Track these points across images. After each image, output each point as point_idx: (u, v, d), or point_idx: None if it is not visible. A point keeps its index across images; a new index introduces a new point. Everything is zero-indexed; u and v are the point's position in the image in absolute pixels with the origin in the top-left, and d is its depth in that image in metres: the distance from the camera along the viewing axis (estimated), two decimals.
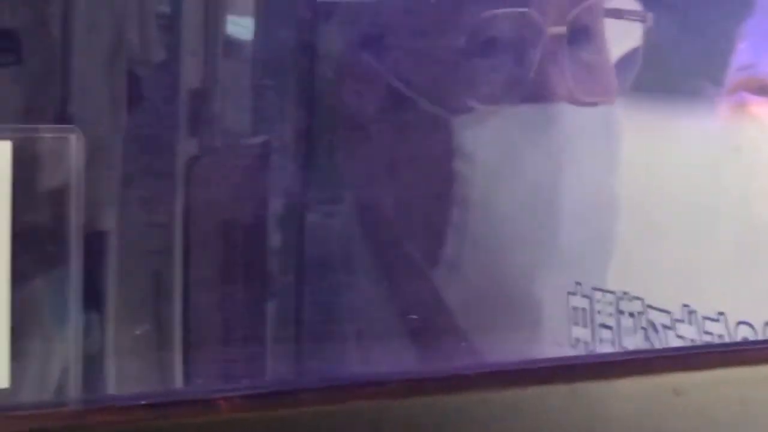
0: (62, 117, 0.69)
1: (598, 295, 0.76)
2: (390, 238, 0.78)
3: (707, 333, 0.74)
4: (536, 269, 0.76)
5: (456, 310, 0.76)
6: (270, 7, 0.76)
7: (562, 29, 0.76)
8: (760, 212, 0.82)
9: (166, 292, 0.72)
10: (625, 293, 0.76)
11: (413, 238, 0.78)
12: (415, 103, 0.76)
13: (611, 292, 0.76)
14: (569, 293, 0.76)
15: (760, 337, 0.73)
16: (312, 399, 0.53)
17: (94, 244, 0.67)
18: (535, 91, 0.76)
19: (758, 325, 0.73)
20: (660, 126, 0.82)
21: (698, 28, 0.84)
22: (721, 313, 0.74)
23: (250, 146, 0.76)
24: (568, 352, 0.76)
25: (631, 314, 0.76)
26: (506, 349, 0.76)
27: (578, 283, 0.76)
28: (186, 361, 0.72)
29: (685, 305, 0.75)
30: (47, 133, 0.49)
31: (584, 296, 0.76)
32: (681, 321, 0.75)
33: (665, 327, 0.75)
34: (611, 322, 0.76)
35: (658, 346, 0.76)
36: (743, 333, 0.74)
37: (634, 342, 0.76)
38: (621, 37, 0.80)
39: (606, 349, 0.76)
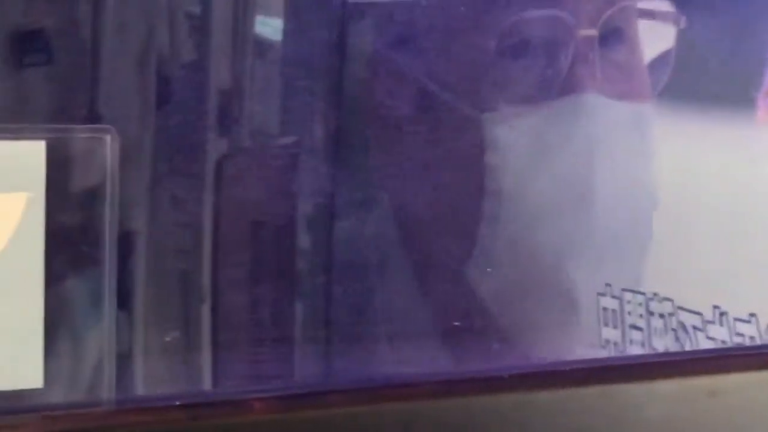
0: (92, 117, 0.69)
1: (628, 296, 0.76)
2: (421, 238, 0.78)
3: (738, 335, 0.74)
4: (569, 269, 0.76)
5: (488, 311, 0.76)
6: (300, 7, 0.76)
7: (593, 31, 0.76)
8: None
9: (194, 292, 0.72)
10: (655, 294, 0.76)
11: (445, 237, 0.78)
12: (446, 103, 0.76)
13: (641, 293, 0.76)
14: (599, 294, 0.76)
15: None
16: (344, 400, 0.53)
17: (124, 244, 0.67)
18: (566, 93, 0.76)
19: None
20: (693, 128, 0.81)
21: (734, 30, 0.83)
22: (752, 315, 0.74)
23: (280, 146, 0.76)
24: (599, 353, 0.76)
25: (662, 315, 0.76)
26: (538, 350, 0.76)
27: (608, 285, 0.76)
28: (215, 362, 0.71)
29: (716, 307, 0.75)
30: (82, 133, 0.49)
31: (614, 297, 0.76)
32: (712, 322, 0.75)
33: (696, 328, 0.75)
34: (641, 323, 0.76)
35: (688, 347, 0.76)
36: None
37: (664, 343, 0.76)
38: (654, 39, 0.80)
39: (636, 350, 0.76)
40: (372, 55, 0.77)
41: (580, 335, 0.76)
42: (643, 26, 0.80)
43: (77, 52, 0.69)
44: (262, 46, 0.75)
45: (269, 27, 0.75)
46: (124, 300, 0.68)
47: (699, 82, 0.83)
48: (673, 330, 0.76)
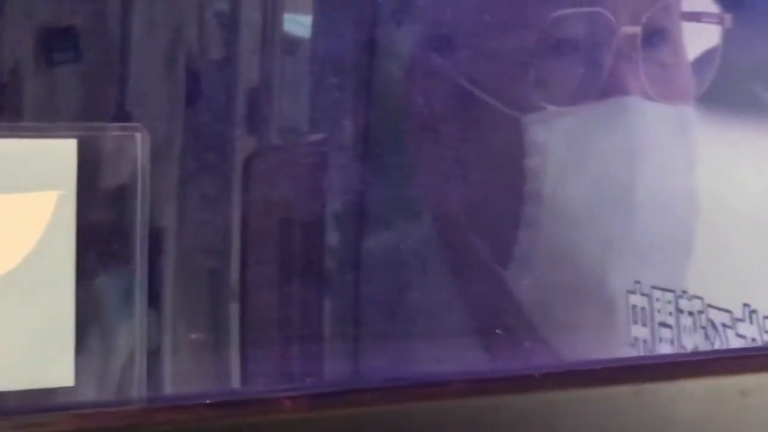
0: (120, 114, 0.69)
1: (657, 293, 0.75)
2: (454, 237, 0.78)
3: None
4: (608, 269, 0.75)
5: (521, 309, 0.76)
6: (328, 4, 0.76)
7: (635, 29, 0.75)
8: None
9: (223, 290, 0.72)
10: (684, 292, 0.76)
11: (480, 237, 0.78)
12: (482, 102, 0.76)
13: (671, 291, 0.76)
14: (629, 292, 0.75)
15: None
16: (376, 398, 0.53)
17: (153, 241, 0.67)
18: (608, 92, 0.75)
19: None
20: (727, 128, 0.81)
21: None
22: None
23: (309, 144, 0.76)
24: (628, 351, 0.76)
25: (691, 313, 0.75)
26: (570, 349, 0.75)
27: (637, 282, 0.75)
28: (243, 360, 0.71)
29: (746, 304, 0.74)
30: (113, 131, 0.49)
31: (644, 295, 0.75)
32: (741, 320, 0.74)
33: (725, 326, 0.75)
34: (671, 321, 0.75)
35: (718, 345, 0.75)
36: None
37: (693, 341, 0.75)
38: (698, 39, 0.79)
39: (665, 348, 0.75)
40: (403, 52, 0.77)
41: (612, 333, 0.76)
42: (687, 26, 0.79)
43: (106, 50, 0.69)
44: (291, 43, 0.75)
45: (298, 24, 0.75)
46: (153, 298, 0.68)
47: (739, 85, 0.82)
48: (703, 328, 0.75)
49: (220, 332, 0.72)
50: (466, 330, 0.75)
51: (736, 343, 0.75)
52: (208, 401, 0.50)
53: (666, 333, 0.75)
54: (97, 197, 0.48)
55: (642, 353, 0.75)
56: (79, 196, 0.48)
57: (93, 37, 0.68)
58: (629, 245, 0.75)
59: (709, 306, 0.75)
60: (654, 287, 0.75)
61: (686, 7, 0.79)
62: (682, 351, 0.75)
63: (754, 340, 0.74)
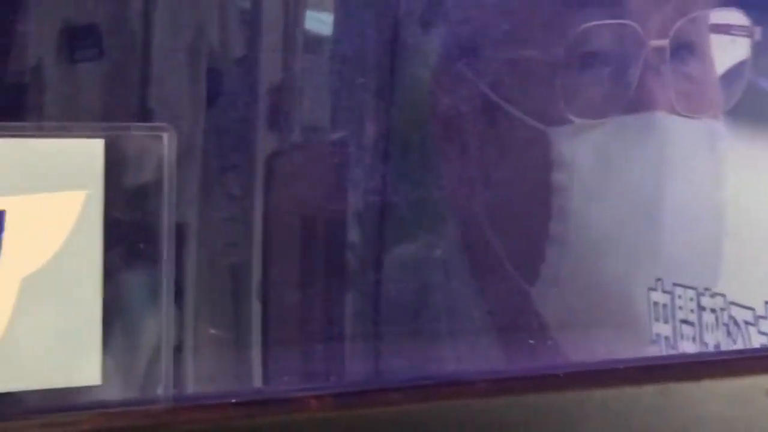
0: (142, 112, 0.69)
1: (679, 290, 0.75)
2: (477, 237, 0.78)
3: None
4: (635, 278, 0.75)
5: (543, 309, 0.76)
6: (351, 2, 0.75)
7: (664, 42, 0.74)
8: None
9: (247, 288, 0.72)
10: (706, 289, 0.75)
11: (501, 247, 0.77)
12: (508, 113, 0.75)
13: (692, 288, 0.75)
14: (650, 289, 0.75)
15: None
16: (399, 398, 0.53)
17: (178, 240, 0.67)
18: (635, 105, 0.75)
19: None
20: (756, 143, 0.81)
21: None
22: None
23: (332, 142, 0.76)
24: (650, 348, 0.75)
25: (713, 310, 0.75)
26: (592, 347, 0.75)
27: (659, 279, 0.75)
28: (266, 359, 0.71)
29: None
30: (140, 131, 0.49)
31: (665, 292, 0.75)
32: (764, 317, 0.74)
33: (747, 323, 0.75)
34: (693, 318, 0.75)
35: (740, 342, 0.75)
36: None
37: (715, 338, 0.75)
38: (727, 52, 0.79)
39: (687, 345, 0.75)
40: (427, 53, 0.77)
41: (634, 331, 0.75)
42: (716, 38, 0.78)
43: (129, 49, 0.69)
44: (313, 41, 0.75)
45: (320, 22, 0.75)
46: (180, 296, 0.68)
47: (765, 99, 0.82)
48: (725, 325, 0.75)
49: (243, 330, 0.72)
50: (489, 329, 0.75)
51: (758, 341, 0.75)
52: (233, 400, 0.50)
53: (688, 330, 0.75)
54: (123, 196, 0.49)
55: (664, 350, 0.75)
56: (106, 195, 0.48)
57: (117, 37, 0.68)
58: (657, 260, 0.75)
59: (732, 303, 0.75)
60: (676, 284, 0.75)
61: (715, 19, 0.78)
62: (704, 348, 0.75)
63: None
